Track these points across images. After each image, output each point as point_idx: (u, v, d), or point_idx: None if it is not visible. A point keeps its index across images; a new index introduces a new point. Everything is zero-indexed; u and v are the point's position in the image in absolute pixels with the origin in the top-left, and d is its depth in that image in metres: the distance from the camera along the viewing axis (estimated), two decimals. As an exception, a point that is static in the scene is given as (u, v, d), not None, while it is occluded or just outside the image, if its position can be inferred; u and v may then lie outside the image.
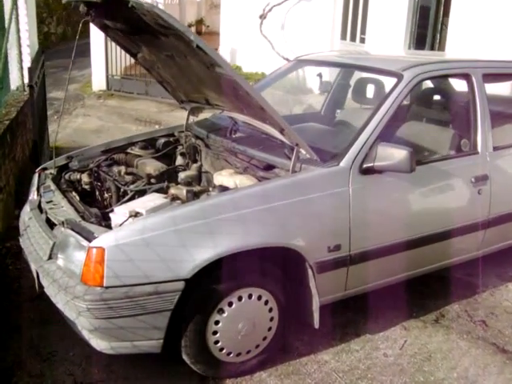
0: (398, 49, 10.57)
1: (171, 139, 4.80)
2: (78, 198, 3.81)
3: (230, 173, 3.73)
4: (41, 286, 3.39)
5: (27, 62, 7.16)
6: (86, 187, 4.13)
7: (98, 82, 12.70)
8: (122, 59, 11.99)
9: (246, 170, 3.81)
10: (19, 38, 7.04)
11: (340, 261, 3.64)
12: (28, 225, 3.84)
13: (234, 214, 3.24)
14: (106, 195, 3.96)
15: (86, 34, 13.61)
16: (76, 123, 10.02)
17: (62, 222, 3.36)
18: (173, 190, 3.58)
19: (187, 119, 4.87)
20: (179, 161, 4.58)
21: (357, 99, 5.33)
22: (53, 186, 3.97)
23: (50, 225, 3.59)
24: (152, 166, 4.04)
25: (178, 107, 11.73)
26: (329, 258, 3.57)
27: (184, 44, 3.36)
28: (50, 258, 3.33)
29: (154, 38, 3.70)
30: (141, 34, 3.84)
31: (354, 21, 11.97)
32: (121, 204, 3.62)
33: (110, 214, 3.34)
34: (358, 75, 5.54)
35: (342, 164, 3.65)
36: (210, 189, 3.62)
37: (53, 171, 4.29)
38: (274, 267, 3.49)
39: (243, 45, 12.33)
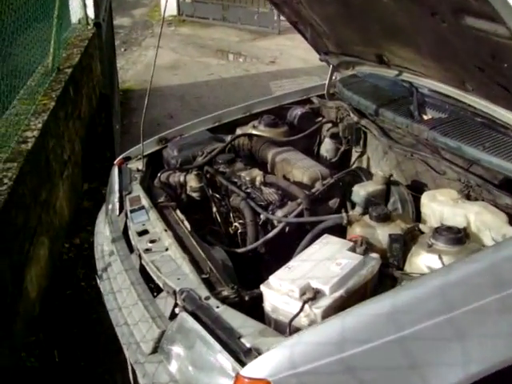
0: None
1: (307, 108, 3.23)
2: (188, 226, 2.33)
3: (453, 197, 2.15)
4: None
5: (91, -13, 5.56)
6: (195, 195, 2.65)
7: (168, 6, 10.90)
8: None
9: (471, 190, 2.22)
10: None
11: None
12: (109, 263, 2.43)
13: (495, 299, 1.71)
14: (232, 219, 2.47)
15: None
16: (147, 57, 8.45)
17: (174, 293, 1.92)
18: (358, 229, 2.06)
19: (330, 78, 3.26)
20: (328, 147, 3.02)
21: None
22: (145, 200, 2.51)
23: (148, 278, 2.17)
24: (309, 173, 2.50)
25: (262, 35, 10.14)
26: None
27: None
28: (154, 351, 1.92)
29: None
30: None
31: None
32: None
33: (262, 287, 1.86)
34: None
35: None
36: (423, 228, 2.07)
37: (141, 167, 2.81)
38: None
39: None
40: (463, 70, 2.12)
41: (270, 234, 2.24)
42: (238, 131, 3.15)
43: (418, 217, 2.35)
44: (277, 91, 7.43)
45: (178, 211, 2.48)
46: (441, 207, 2.13)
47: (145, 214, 2.45)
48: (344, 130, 2.89)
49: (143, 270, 2.20)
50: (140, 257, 2.22)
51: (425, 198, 2.20)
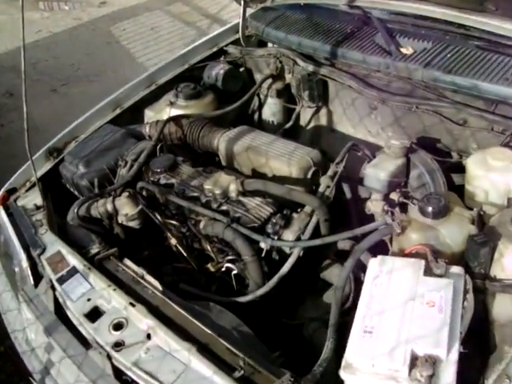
0: None
1: (223, 61, 2.51)
2: (158, 284, 1.59)
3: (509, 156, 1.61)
4: None
5: None
6: (133, 225, 1.88)
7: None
8: None
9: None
10: None
11: None
12: (51, 363, 1.64)
13: None
14: (211, 253, 1.75)
15: None
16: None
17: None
18: (414, 235, 1.47)
19: (243, 17, 2.54)
20: (274, 109, 2.35)
21: None
22: (74, 258, 1.71)
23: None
24: (296, 162, 1.81)
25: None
26: None
27: None
28: None
29: None
30: None
31: None
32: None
33: (343, 374, 1.21)
34: None
35: None
36: (489, 210, 1.54)
37: (40, 201, 1.96)
38: None
39: None
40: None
41: (285, 269, 1.57)
42: (149, 114, 2.36)
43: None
44: (121, 36, 6.43)
45: (127, 260, 1.71)
46: (505, 177, 1.58)
47: (82, 279, 1.66)
48: (298, 84, 2.21)
49: (120, 375, 1.45)
50: (109, 357, 1.46)
51: (477, 168, 1.63)
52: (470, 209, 1.58)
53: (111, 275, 1.66)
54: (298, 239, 1.59)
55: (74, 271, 1.68)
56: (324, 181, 1.69)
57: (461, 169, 1.89)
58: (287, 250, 1.61)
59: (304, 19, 2.38)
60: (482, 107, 1.81)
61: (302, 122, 2.40)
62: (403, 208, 1.79)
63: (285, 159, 1.82)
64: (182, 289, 1.72)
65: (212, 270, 1.74)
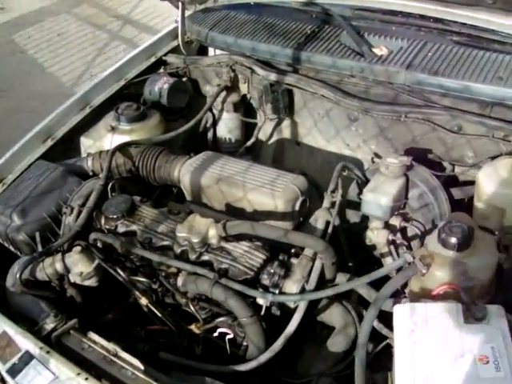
0: None
1: (164, 73, 2.22)
2: (138, 363, 1.30)
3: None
4: None
5: None
6: (90, 283, 1.57)
7: None
8: None
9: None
10: None
11: None
12: None
13: None
14: (194, 313, 1.46)
15: None
16: None
17: None
18: (440, 273, 1.26)
19: (183, 22, 2.25)
20: (231, 125, 2.09)
21: None
22: (26, 340, 1.38)
23: None
24: (282, 194, 1.53)
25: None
26: None
27: None
28: None
29: None
30: None
31: None
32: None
33: None
34: None
35: None
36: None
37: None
38: None
39: None
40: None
41: (292, 327, 1.31)
42: (87, 142, 2.04)
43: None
44: (27, 45, 5.91)
45: (92, 334, 1.40)
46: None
47: (41, 367, 1.34)
48: (260, 96, 1.94)
49: None
50: None
51: (490, 183, 1.43)
52: (487, 229, 1.40)
53: (77, 356, 1.36)
54: (303, 290, 1.34)
55: (28, 357, 1.36)
56: (321, 215, 1.44)
57: (455, 181, 1.72)
58: (291, 305, 1.35)
59: (254, 20, 2.12)
60: (475, 111, 1.62)
61: (262, 135, 2.15)
62: (404, 232, 1.59)
63: (267, 190, 1.55)
64: (163, 359, 1.43)
65: (197, 332, 1.45)
